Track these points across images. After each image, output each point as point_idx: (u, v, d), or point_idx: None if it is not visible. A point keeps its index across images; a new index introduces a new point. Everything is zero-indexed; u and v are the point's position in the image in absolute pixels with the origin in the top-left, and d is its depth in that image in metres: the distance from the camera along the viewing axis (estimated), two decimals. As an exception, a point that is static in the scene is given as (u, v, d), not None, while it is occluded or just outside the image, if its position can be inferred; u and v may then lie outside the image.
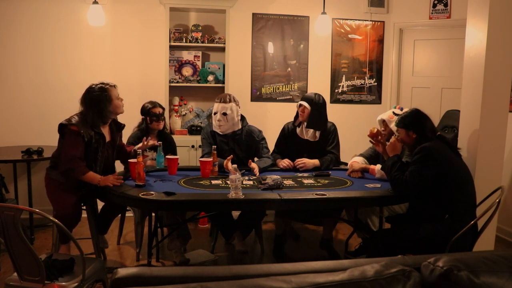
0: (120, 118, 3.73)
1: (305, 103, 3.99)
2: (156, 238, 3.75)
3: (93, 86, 3.34)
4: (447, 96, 5.21)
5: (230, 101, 3.92)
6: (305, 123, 4.05)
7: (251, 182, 3.51)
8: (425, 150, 3.05)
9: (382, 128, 3.77)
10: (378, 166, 3.65)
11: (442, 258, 1.62)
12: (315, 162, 3.99)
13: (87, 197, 3.45)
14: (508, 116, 3.61)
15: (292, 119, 4.21)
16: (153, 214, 3.70)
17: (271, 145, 4.15)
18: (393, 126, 3.65)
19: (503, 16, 3.43)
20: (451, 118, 4.32)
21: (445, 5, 5.18)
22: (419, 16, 5.37)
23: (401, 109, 3.76)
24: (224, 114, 3.89)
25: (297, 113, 4.11)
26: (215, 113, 3.93)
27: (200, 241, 4.41)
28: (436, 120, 4.46)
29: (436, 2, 5.24)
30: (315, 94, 4.06)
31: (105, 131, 3.42)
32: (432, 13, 5.28)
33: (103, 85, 3.34)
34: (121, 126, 3.62)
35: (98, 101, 3.28)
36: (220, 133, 3.97)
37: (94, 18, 4.54)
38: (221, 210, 3.73)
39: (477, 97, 3.50)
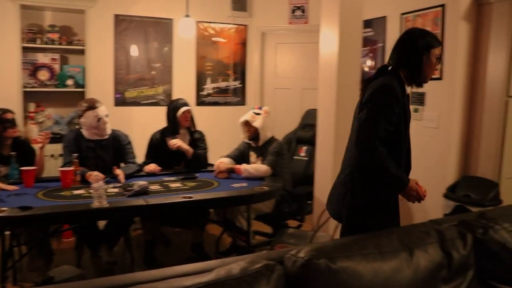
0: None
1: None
2: (12, 258, 3.43)
3: None
4: (307, 96, 5.50)
5: (101, 104, 3.81)
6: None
7: (116, 190, 3.38)
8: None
9: (246, 129, 3.88)
10: (244, 166, 3.74)
11: (303, 249, 1.70)
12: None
13: None
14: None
15: (158, 128, 4.18)
16: (8, 233, 3.38)
17: (137, 152, 4.04)
18: (256, 123, 3.76)
19: (352, 22, 3.71)
20: (311, 116, 4.56)
21: (303, 11, 5.50)
22: (279, 21, 5.62)
23: (260, 108, 3.91)
24: (107, 116, 3.79)
25: (174, 123, 4.08)
26: (99, 120, 3.74)
27: (65, 257, 4.13)
28: (297, 119, 4.70)
29: (294, 8, 5.53)
30: None
31: None
32: (292, 18, 5.57)
33: None
34: None
35: None
36: (104, 137, 3.83)
37: None
38: (84, 221, 3.52)
39: (332, 97, 3.75)
